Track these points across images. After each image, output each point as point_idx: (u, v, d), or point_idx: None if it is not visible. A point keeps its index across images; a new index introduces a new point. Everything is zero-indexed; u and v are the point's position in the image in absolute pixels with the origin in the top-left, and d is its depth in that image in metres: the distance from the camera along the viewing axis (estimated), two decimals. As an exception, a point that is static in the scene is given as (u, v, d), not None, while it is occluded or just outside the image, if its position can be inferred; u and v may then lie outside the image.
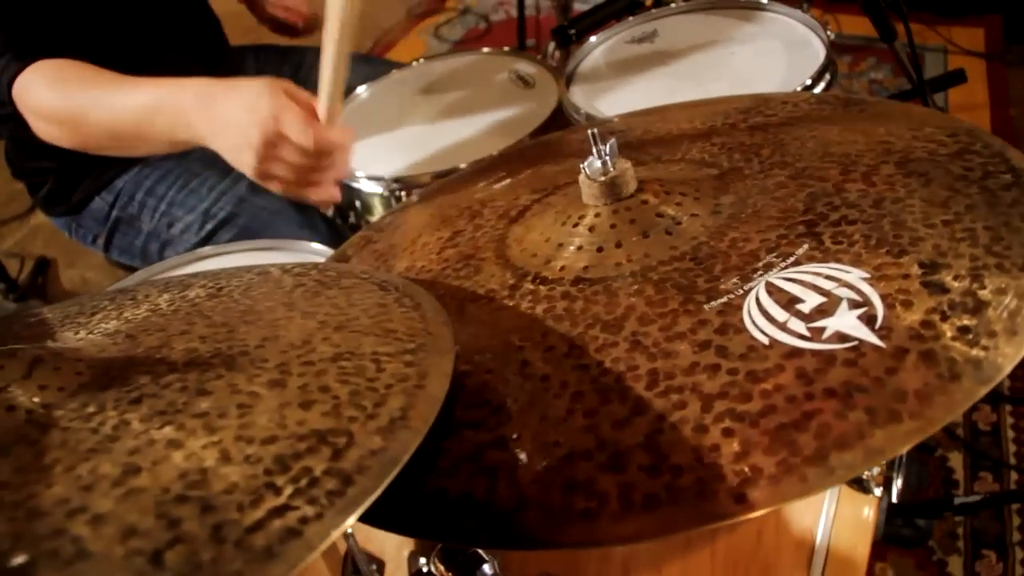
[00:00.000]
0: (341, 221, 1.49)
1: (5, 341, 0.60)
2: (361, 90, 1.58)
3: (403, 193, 1.31)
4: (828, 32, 1.26)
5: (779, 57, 1.27)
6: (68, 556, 0.41)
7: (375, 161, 1.38)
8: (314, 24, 1.74)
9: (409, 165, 1.36)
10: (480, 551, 0.72)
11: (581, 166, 0.71)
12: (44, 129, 1.24)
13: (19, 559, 0.41)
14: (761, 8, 1.41)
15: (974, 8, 2.72)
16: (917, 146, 0.72)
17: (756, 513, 0.46)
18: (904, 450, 0.48)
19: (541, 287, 0.68)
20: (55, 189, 1.52)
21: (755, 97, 0.91)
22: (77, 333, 0.69)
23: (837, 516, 0.87)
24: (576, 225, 0.71)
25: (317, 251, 1.19)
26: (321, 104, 1.08)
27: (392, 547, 1.04)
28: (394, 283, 0.67)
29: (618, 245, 0.68)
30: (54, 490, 0.46)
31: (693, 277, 0.63)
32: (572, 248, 0.70)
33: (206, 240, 1.44)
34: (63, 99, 1.21)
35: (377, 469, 0.45)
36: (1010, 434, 1.69)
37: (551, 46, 1.86)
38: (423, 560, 1.06)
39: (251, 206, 1.43)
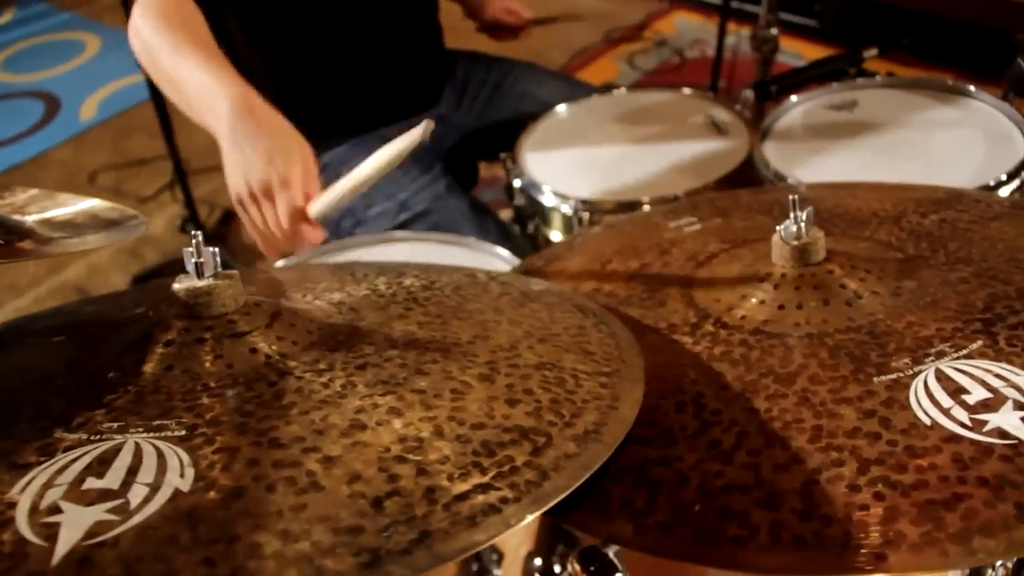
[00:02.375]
0: (520, 228, 1.59)
1: (245, 291, 0.69)
2: (561, 108, 1.66)
3: (585, 214, 1.39)
4: (1035, 129, 1.26)
5: (978, 147, 1.28)
6: (303, 485, 0.50)
7: (563, 179, 1.46)
8: (530, 26, 1.85)
9: (594, 189, 1.43)
10: (615, 560, 0.78)
11: (777, 228, 0.77)
12: (135, 44, 1.34)
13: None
14: (967, 95, 1.42)
15: None
16: (1107, 267, 0.74)
17: (893, 574, 0.51)
18: (1045, 548, 0.51)
19: (721, 331, 0.74)
20: None
21: (949, 191, 0.94)
22: (305, 296, 0.80)
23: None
24: (762, 281, 0.77)
25: (502, 256, 1.28)
26: (321, 203, 1.17)
27: (513, 543, 1.11)
28: (591, 309, 0.74)
29: (799, 307, 0.74)
30: (291, 428, 0.55)
31: (867, 350, 0.67)
32: (754, 301, 0.76)
33: (398, 228, 1.55)
34: (154, 32, 1.30)
35: (570, 471, 0.52)
36: None
37: (745, 94, 1.90)
38: (539, 561, 1.13)
39: (446, 205, 1.54)
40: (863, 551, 0.52)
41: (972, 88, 1.40)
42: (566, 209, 1.40)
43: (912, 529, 0.52)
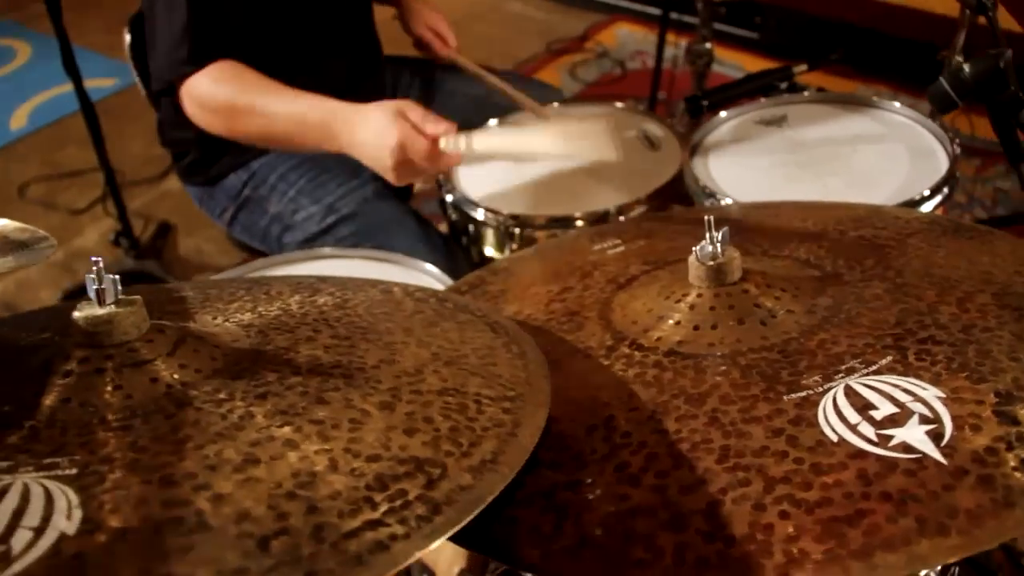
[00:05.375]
0: (455, 241, 1.58)
1: (153, 314, 0.68)
2: (493, 123, 1.66)
3: (517, 229, 1.38)
4: (956, 146, 1.28)
5: (901, 163, 1.31)
6: (191, 525, 0.48)
7: (494, 195, 1.45)
8: (451, 60, 1.84)
9: (526, 204, 1.43)
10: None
11: (693, 248, 0.77)
12: (200, 116, 1.43)
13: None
14: (892, 111, 1.45)
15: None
16: (1018, 281, 0.75)
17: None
18: (947, 562, 0.52)
19: (636, 353, 0.74)
20: (196, 160, 1.67)
21: (869, 208, 0.96)
22: (215, 318, 0.78)
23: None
24: (678, 301, 0.77)
25: (432, 273, 1.27)
26: (452, 141, 1.31)
27: (445, 561, 1.11)
28: (505, 327, 0.74)
29: (714, 327, 0.74)
30: (185, 464, 0.53)
31: (778, 368, 0.68)
32: (671, 322, 0.76)
33: (326, 231, 1.55)
34: (226, 97, 1.39)
35: (463, 504, 0.51)
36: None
37: (682, 107, 1.91)
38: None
39: (373, 209, 1.54)
40: (766, 570, 0.52)
41: (897, 104, 1.43)
42: (497, 224, 1.40)
43: (815, 547, 0.53)
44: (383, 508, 0.49)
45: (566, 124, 1.50)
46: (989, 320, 0.70)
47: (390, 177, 1.32)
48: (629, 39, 3.45)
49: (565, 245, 1.05)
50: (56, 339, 0.76)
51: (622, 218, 1.33)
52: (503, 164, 1.54)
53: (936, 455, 0.57)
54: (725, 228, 0.77)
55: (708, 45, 1.70)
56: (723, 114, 1.49)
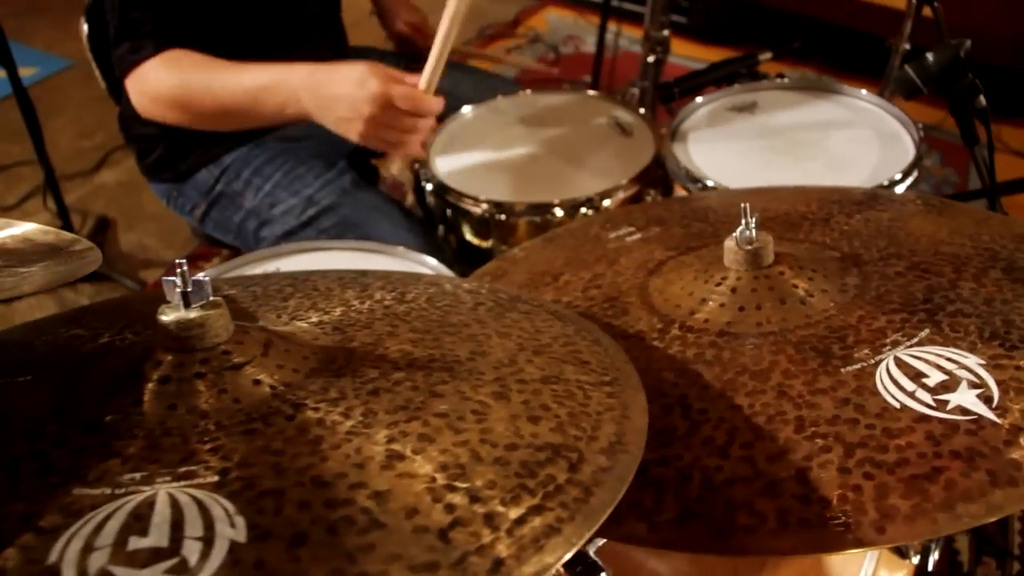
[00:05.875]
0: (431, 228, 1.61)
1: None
2: (466, 110, 1.68)
3: (501, 216, 1.42)
4: (920, 130, 1.37)
5: (872, 147, 1.39)
6: (363, 524, 0.48)
7: (473, 181, 1.48)
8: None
9: (504, 191, 1.46)
10: (598, 561, 0.82)
11: (733, 235, 0.82)
12: (152, 108, 1.42)
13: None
14: (857, 97, 1.53)
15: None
16: (1020, 257, 0.82)
17: (893, 544, 0.57)
18: (1018, 508, 0.58)
19: (689, 335, 0.79)
20: (163, 156, 1.64)
21: (865, 192, 1.02)
22: (279, 316, 0.79)
23: (875, 577, 0.97)
24: (719, 285, 0.82)
25: (430, 264, 1.29)
26: (424, 77, 1.34)
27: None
28: (568, 316, 0.77)
29: (758, 307, 0.79)
30: (329, 464, 0.53)
31: (828, 344, 0.73)
32: (714, 304, 0.81)
33: (307, 224, 1.55)
34: (179, 82, 1.38)
35: (610, 484, 0.53)
36: (1016, 526, 1.76)
37: (631, 92, 1.97)
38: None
39: (353, 199, 1.55)
40: (864, 526, 0.58)
41: (864, 91, 1.51)
42: (476, 210, 1.43)
43: (903, 503, 0.58)
44: (540, 493, 0.51)
45: None
46: (1006, 293, 0.77)
47: (357, 130, 1.32)
48: (560, 24, 3.50)
49: (578, 234, 1.09)
50: (117, 342, 0.77)
51: (606, 203, 1.38)
52: (481, 152, 1.57)
53: (991, 416, 0.63)
54: (757, 214, 0.82)
55: (666, 33, 1.75)
56: (699, 100, 1.54)
